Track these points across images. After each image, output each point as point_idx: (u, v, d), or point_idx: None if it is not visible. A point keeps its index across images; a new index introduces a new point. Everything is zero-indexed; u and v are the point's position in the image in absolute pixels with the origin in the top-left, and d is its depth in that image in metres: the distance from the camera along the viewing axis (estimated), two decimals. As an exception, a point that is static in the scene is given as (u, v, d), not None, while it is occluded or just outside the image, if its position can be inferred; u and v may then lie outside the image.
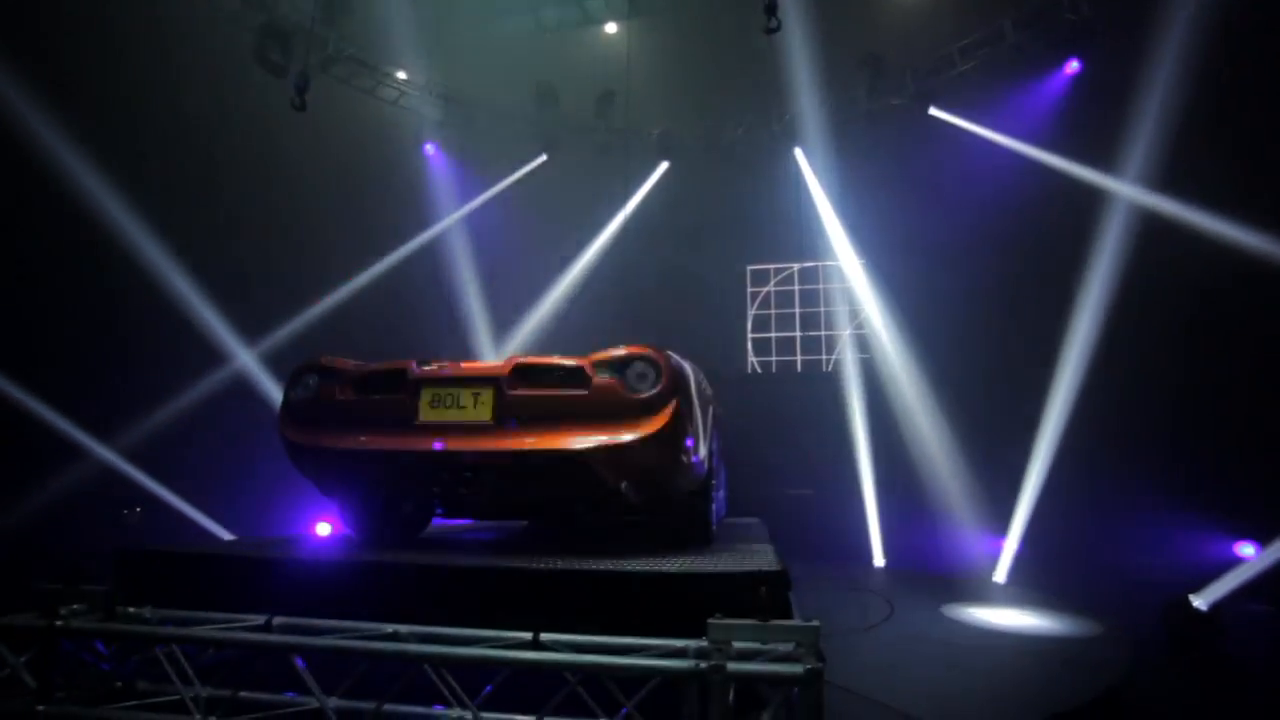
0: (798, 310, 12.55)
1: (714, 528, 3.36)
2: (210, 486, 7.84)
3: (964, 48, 9.97)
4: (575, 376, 2.72)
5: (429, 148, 11.08)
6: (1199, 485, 8.20)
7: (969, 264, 9.86)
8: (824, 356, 12.22)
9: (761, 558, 2.52)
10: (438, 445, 2.65)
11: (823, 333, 12.35)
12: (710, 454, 3.27)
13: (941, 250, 10.27)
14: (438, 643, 2.05)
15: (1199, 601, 5.09)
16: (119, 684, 2.30)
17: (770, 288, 12.83)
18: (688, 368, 3.04)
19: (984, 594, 6.05)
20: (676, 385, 2.72)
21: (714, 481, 3.47)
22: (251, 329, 8.59)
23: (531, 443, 2.62)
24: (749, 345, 12.72)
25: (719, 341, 12.75)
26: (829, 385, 11.30)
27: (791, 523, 9.08)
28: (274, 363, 8.59)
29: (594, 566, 2.21)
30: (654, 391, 2.66)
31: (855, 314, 11.74)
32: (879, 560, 8.99)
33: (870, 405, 10.65)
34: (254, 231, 8.83)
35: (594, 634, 2.04)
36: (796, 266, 12.61)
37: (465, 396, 2.77)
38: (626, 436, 2.60)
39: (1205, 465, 8.16)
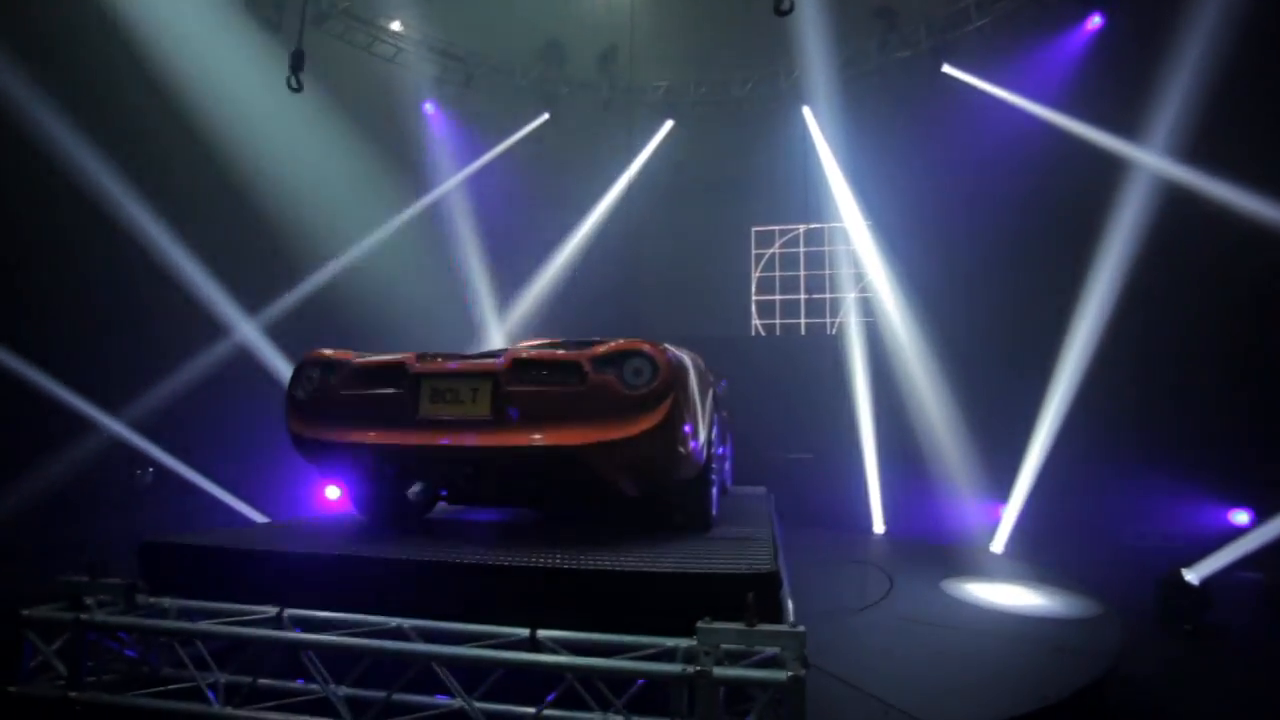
0: (803, 272, 12.45)
1: (714, 512, 3.43)
2: (238, 466, 7.98)
3: (980, 1, 9.55)
4: (572, 371, 2.75)
5: (428, 106, 10.82)
6: (1196, 455, 8.26)
7: (979, 230, 9.70)
8: (828, 320, 12.18)
9: (756, 551, 2.59)
10: (443, 440, 2.72)
11: (828, 296, 12.27)
12: (710, 441, 3.31)
13: (951, 215, 10.10)
14: (439, 637, 2.16)
15: (1191, 575, 5.22)
16: (145, 669, 2.44)
17: (775, 249, 12.69)
18: (686, 359, 3.06)
19: (982, 567, 6.13)
20: (673, 380, 2.75)
21: (714, 465, 3.52)
22: (253, 301, 8.61)
23: (529, 438, 2.68)
24: (753, 308, 12.68)
25: (723, 304, 12.71)
26: (833, 349, 11.30)
27: (793, 487, 9.24)
28: (277, 337, 8.64)
29: (588, 565, 2.29)
30: (650, 387, 2.69)
31: (860, 277, 11.63)
32: (879, 527, 9.13)
33: (874, 370, 10.65)
34: (246, 200, 8.73)
35: (590, 630, 2.14)
36: (802, 228, 12.44)
37: (464, 391, 2.82)
38: (623, 432, 2.65)
39: (1202, 436, 8.20)
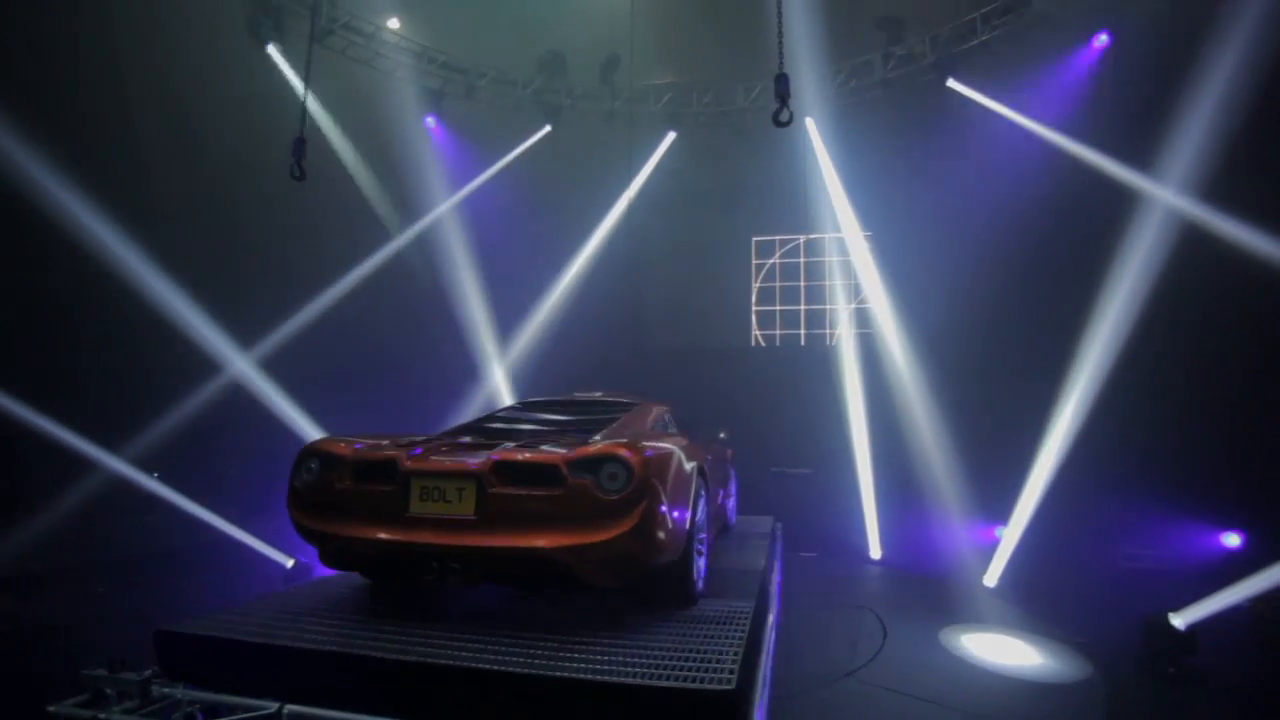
0: (803, 283, 12.50)
1: (700, 584, 3.54)
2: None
3: (986, 14, 9.44)
4: (551, 475, 2.91)
5: (430, 120, 10.87)
6: (1188, 480, 8.36)
7: (980, 249, 9.70)
8: (827, 331, 12.26)
9: (724, 647, 2.73)
10: (432, 539, 2.91)
11: (827, 307, 12.33)
12: (694, 523, 3.43)
13: (952, 232, 10.10)
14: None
15: (1178, 621, 5.37)
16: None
17: (776, 259, 12.73)
18: (668, 450, 3.20)
19: (976, 609, 6.18)
20: (648, 483, 2.89)
21: (700, 539, 3.65)
22: (253, 325, 8.80)
23: (510, 540, 2.84)
24: (753, 318, 12.76)
25: (723, 314, 12.81)
26: (832, 361, 11.39)
27: (792, 504, 9.40)
28: (277, 365, 8.85)
29: (559, 674, 2.46)
30: (625, 493, 2.83)
31: (859, 290, 11.67)
32: (875, 553, 9.21)
33: (871, 384, 10.76)
34: (245, 219, 8.91)
35: None
36: (803, 238, 12.47)
37: (450, 490, 2.99)
38: (599, 536, 2.80)
39: (1194, 462, 8.29)
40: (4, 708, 3.93)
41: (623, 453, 2.91)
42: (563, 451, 3.00)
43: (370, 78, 10.34)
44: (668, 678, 2.40)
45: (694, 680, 2.37)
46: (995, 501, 8.90)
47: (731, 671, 2.47)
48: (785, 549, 6.69)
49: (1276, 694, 5.01)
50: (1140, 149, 8.03)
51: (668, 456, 3.18)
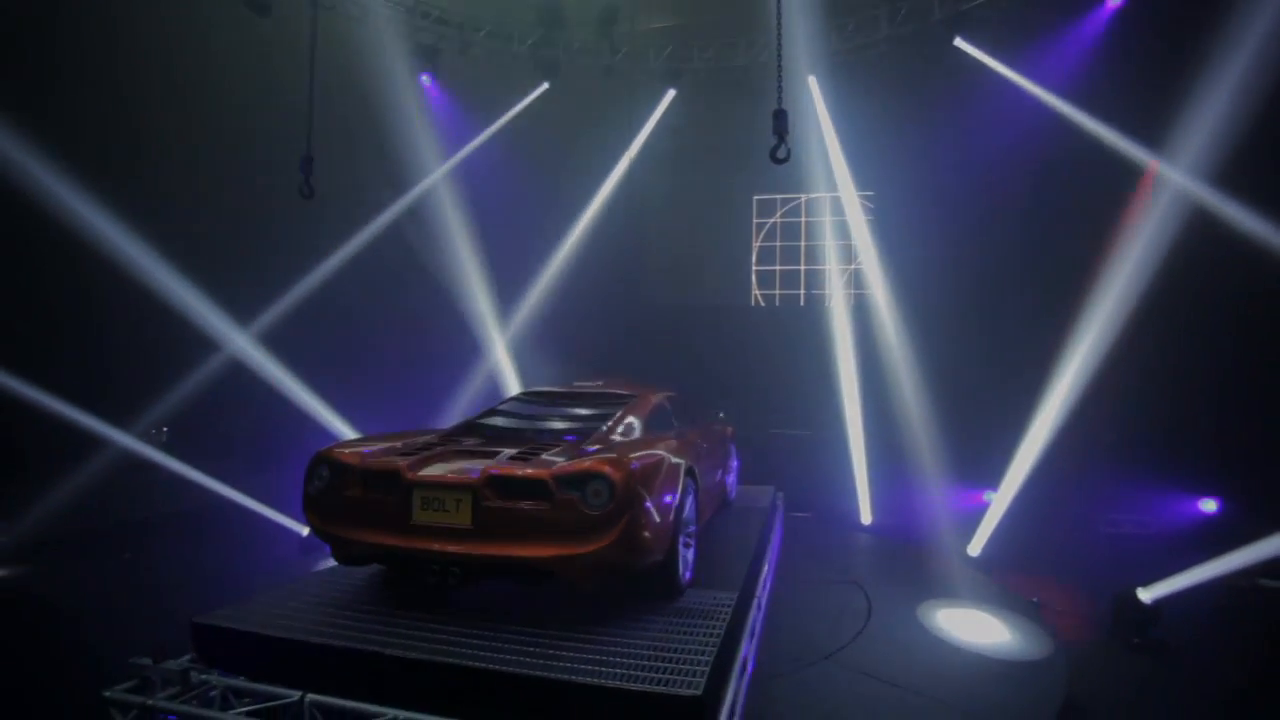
0: (803, 243, 12.48)
1: (688, 575, 3.83)
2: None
3: (999, -32, 9.05)
4: (540, 490, 3.17)
5: (425, 78, 10.66)
6: (1168, 448, 8.64)
7: (981, 213, 9.68)
8: (826, 292, 12.33)
9: (699, 649, 3.04)
10: (432, 546, 3.21)
11: (827, 267, 12.36)
12: (679, 521, 3.63)
13: (953, 195, 10.05)
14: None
15: (1144, 595, 5.75)
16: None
17: (777, 219, 12.67)
18: (652, 462, 3.43)
19: (957, 581, 6.46)
20: (631, 498, 3.15)
21: (688, 532, 3.89)
22: (251, 300, 8.98)
23: (503, 549, 3.14)
24: (753, 277, 12.82)
25: (724, 273, 12.86)
26: (829, 322, 11.52)
27: (787, 464, 9.74)
28: (275, 340, 9.02)
29: (537, 673, 2.77)
30: (609, 507, 3.11)
31: (859, 250, 11.66)
32: (866, 518, 9.45)
33: (865, 348, 10.91)
34: (238, 190, 8.94)
35: None
36: (804, 197, 12.36)
37: (449, 501, 3.27)
38: (586, 547, 3.09)
39: (1177, 432, 8.54)
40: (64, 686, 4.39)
41: (606, 470, 3.16)
42: (551, 467, 3.25)
43: (362, 35, 10.09)
44: (641, 679, 2.72)
45: (664, 683, 2.69)
46: (986, 467, 9.18)
47: (702, 674, 2.77)
48: (781, 509, 6.99)
49: (1229, 659, 5.45)
50: (1149, 118, 7.88)
51: (651, 469, 3.42)
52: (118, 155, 8.19)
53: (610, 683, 2.70)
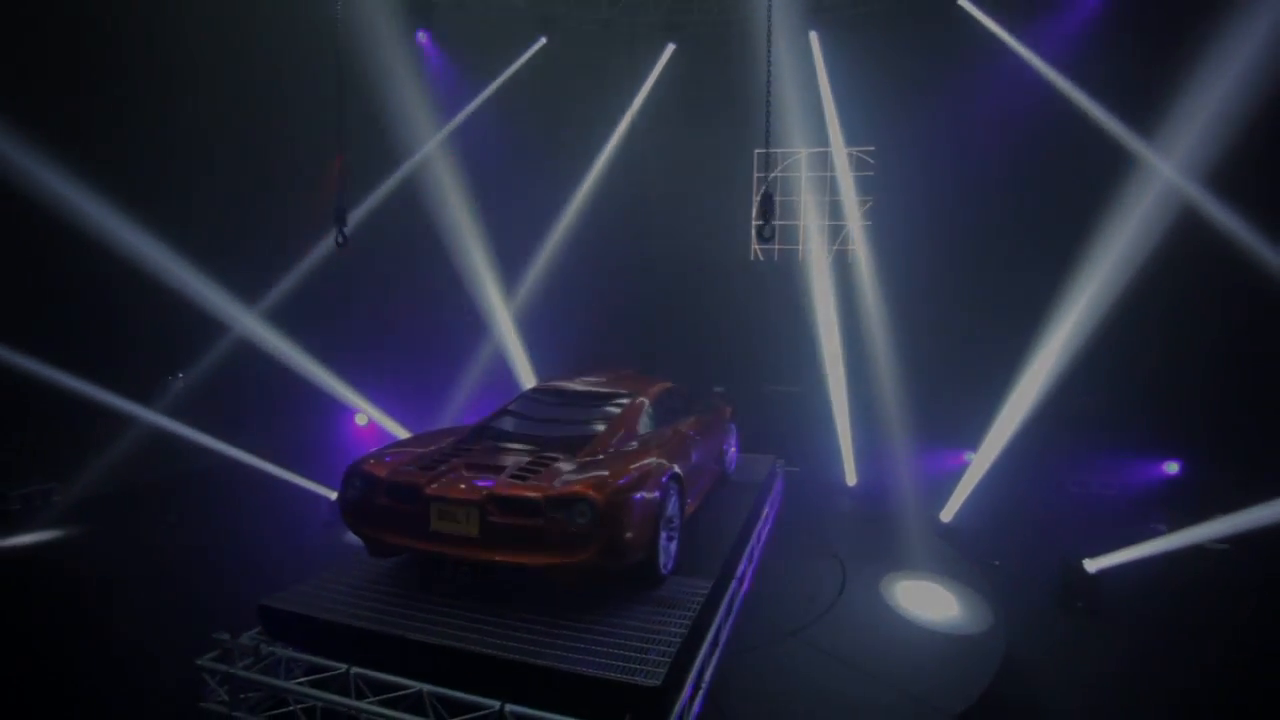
0: (803, 198, 12.57)
1: (669, 565, 4.42)
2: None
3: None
4: (533, 509, 3.82)
5: (421, 35, 10.55)
6: (1135, 413, 9.16)
7: (969, 184, 9.78)
8: (821, 247, 12.53)
9: (665, 639, 3.75)
10: (447, 550, 3.91)
11: (828, 222, 12.51)
12: (660, 524, 4.17)
13: (944, 162, 10.10)
14: (447, 703, 3.49)
15: (1090, 566, 6.41)
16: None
17: (777, 173, 12.70)
18: (634, 478, 3.99)
19: (925, 553, 6.91)
20: (612, 515, 3.76)
21: (670, 525, 4.41)
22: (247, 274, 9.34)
23: (504, 556, 3.82)
24: (753, 232, 13.01)
25: (724, 227, 13.05)
26: (824, 278, 11.84)
27: (781, 419, 10.31)
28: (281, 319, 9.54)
29: (521, 658, 3.44)
30: (591, 525, 3.74)
31: (847, 207, 11.79)
32: (851, 478, 9.84)
33: (860, 304, 11.28)
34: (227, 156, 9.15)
35: (555, 710, 3.40)
36: (804, 152, 12.35)
37: (460, 514, 3.94)
38: (573, 558, 3.75)
39: (1141, 397, 9.04)
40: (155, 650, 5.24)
41: (590, 494, 3.76)
42: (543, 489, 3.87)
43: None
44: (615, 668, 3.40)
45: (631, 672, 3.38)
46: (969, 428, 9.59)
47: (665, 665, 3.44)
48: (781, 476, 7.48)
49: (1162, 620, 6.17)
50: (1138, 102, 7.88)
51: (634, 483, 4.00)
52: (136, 147, 8.49)
53: (587, 671, 3.35)
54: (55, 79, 7.97)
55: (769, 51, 5.35)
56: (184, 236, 8.47)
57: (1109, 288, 8.61)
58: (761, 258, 13.06)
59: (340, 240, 5.42)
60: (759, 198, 4.68)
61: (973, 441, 9.53)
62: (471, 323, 11.36)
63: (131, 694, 4.78)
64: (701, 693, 3.71)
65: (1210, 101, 7.27)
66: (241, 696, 3.80)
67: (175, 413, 8.82)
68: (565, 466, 4.17)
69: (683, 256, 12.97)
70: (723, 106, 11.89)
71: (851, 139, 11.29)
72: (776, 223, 12.97)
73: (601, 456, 4.38)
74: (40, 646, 5.29)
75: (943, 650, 5.07)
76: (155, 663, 4.80)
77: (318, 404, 9.88)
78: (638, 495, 4.00)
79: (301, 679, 3.76)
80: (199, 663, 3.81)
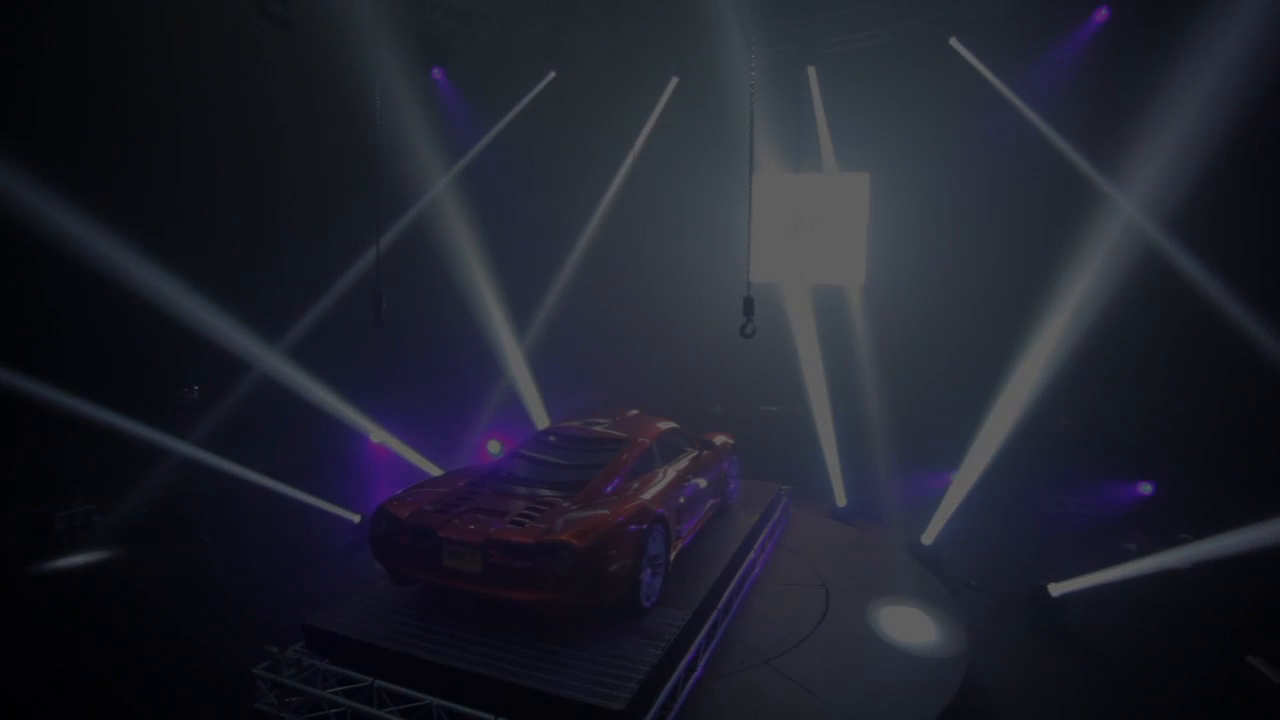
0: (799, 223, 13.06)
1: (651, 599, 4.97)
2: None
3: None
4: (526, 552, 4.55)
5: (436, 72, 11.13)
6: (1115, 439, 9.61)
7: (961, 209, 10.24)
8: (817, 276, 12.99)
9: (634, 666, 4.47)
10: (456, 584, 4.68)
11: (825, 248, 12.98)
12: (642, 563, 4.77)
13: (931, 191, 10.57)
14: (453, 715, 4.25)
15: (1055, 590, 6.82)
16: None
17: (774, 197, 13.19)
18: (613, 527, 4.63)
19: (904, 576, 6.91)
20: (592, 561, 4.42)
21: (655, 558, 4.99)
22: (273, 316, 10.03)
23: (502, 592, 4.54)
24: (749, 255, 13.46)
25: (722, 251, 13.58)
26: (826, 304, 12.39)
27: (777, 439, 10.76)
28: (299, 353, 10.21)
29: (511, 679, 4.11)
30: (573, 570, 4.45)
31: (862, 231, 12.27)
32: (840, 499, 9.88)
33: (836, 335, 11.74)
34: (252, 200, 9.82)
35: None
36: (802, 175, 12.82)
37: (466, 554, 4.67)
38: (557, 596, 4.45)
39: (1121, 423, 9.51)
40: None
41: (572, 542, 4.45)
42: (535, 535, 4.59)
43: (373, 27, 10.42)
44: (588, 691, 4.06)
45: (599, 695, 4.04)
46: (951, 450, 9.83)
47: (631, 691, 4.13)
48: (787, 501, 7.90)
49: (1123, 641, 6.52)
50: (1107, 145, 8.34)
51: (614, 532, 4.61)
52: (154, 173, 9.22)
53: (564, 693, 3.97)
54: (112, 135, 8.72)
55: (751, 90, 5.86)
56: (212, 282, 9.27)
57: (1084, 315, 8.96)
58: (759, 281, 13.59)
59: (375, 321, 6.05)
60: (743, 300, 5.21)
61: (954, 462, 9.73)
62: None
63: (196, 688, 5.59)
64: (671, 716, 4.26)
65: (1170, 148, 7.73)
66: (286, 700, 4.63)
67: (193, 430, 9.26)
68: (559, 512, 4.86)
69: (681, 286, 13.52)
70: (722, 135, 12.42)
71: (846, 167, 11.78)
72: (776, 246, 13.53)
73: (596, 499, 5.06)
74: (116, 653, 6.06)
75: (904, 675, 5.14)
76: (217, 665, 5.60)
77: (332, 430, 10.46)
78: (619, 538, 4.69)
79: (336, 689, 4.56)
80: (254, 671, 4.61)
